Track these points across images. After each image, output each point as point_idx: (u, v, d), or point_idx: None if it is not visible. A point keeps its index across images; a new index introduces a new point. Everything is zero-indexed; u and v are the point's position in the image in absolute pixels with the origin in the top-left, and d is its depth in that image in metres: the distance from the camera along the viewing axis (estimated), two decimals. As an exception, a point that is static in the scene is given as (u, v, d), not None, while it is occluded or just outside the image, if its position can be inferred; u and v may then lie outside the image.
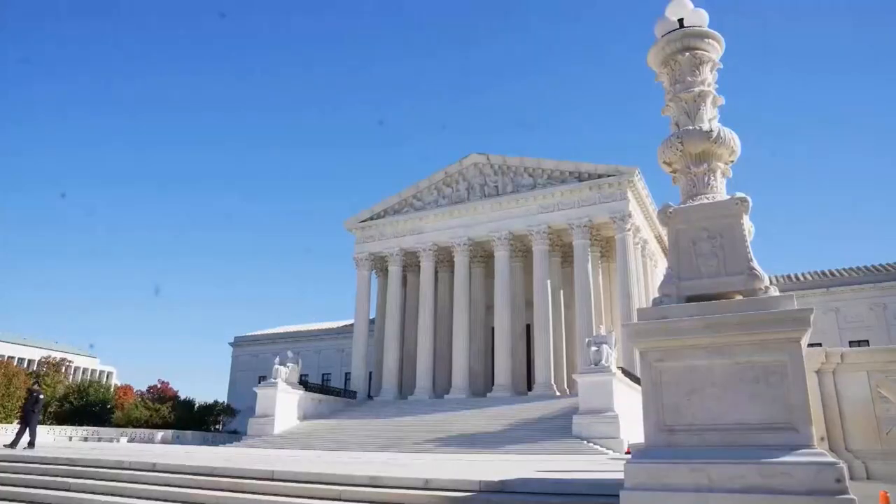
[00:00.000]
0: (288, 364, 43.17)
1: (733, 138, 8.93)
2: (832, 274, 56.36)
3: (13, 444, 21.10)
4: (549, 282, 46.54)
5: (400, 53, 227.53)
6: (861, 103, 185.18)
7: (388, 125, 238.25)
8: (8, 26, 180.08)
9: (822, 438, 8.10)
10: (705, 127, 8.93)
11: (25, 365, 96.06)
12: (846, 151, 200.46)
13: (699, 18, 9.62)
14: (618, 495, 7.19)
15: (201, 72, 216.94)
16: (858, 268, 56.37)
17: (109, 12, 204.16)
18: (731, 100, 9.74)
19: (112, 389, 75.02)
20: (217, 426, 64.18)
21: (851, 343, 48.70)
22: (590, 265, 45.65)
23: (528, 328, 48.49)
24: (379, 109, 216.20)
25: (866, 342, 48.31)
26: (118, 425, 56.90)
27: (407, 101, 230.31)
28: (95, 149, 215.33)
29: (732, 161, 9.18)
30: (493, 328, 48.36)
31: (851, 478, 7.40)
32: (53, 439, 47.42)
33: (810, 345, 8.11)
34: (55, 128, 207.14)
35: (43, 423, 58.40)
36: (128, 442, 47.82)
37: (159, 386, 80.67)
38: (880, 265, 55.31)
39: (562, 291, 49.19)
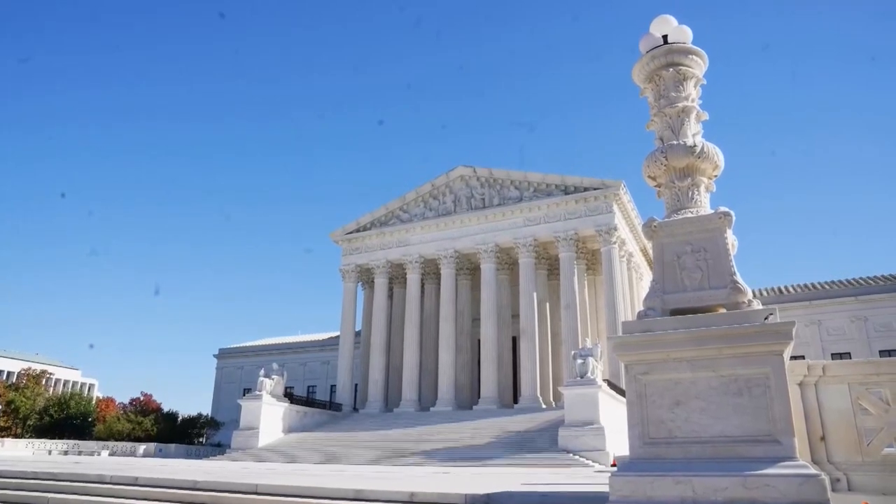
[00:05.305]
0: (273, 376, 42.87)
1: (717, 153, 9.05)
2: (814, 287, 57.02)
3: None
4: (535, 294, 46.66)
5: (391, 58, 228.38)
6: (848, 108, 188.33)
7: (377, 131, 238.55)
8: (8, 28, 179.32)
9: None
10: (689, 142, 9.04)
11: (4, 377, 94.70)
12: (830, 164, 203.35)
13: (683, 35, 9.76)
14: (603, 508, 7.20)
15: (199, 74, 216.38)
16: (840, 281, 57.09)
17: (108, 15, 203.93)
18: (714, 112, 9.88)
19: (93, 402, 74.04)
20: (201, 439, 63.48)
21: (833, 355, 49.24)
22: (576, 278, 45.83)
23: (515, 340, 48.51)
24: (376, 112, 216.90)
25: (848, 354, 48.86)
26: (100, 438, 56.14)
27: (397, 108, 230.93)
28: (84, 156, 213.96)
29: (716, 176, 9.30)
30: (479, 340, 48.34)
31: (833, 489, 7.46)
32: (32, 453, 46.58)
33: (793, 357, 8.20)
34: (49, 134, 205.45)
35: (22, 436, 57.63)
36: (109, 455, 47.14)
37: (142, 398, 79.80)
38: (861, 278, 56.07)
39: (548, 304, 49.33)
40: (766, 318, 7.33)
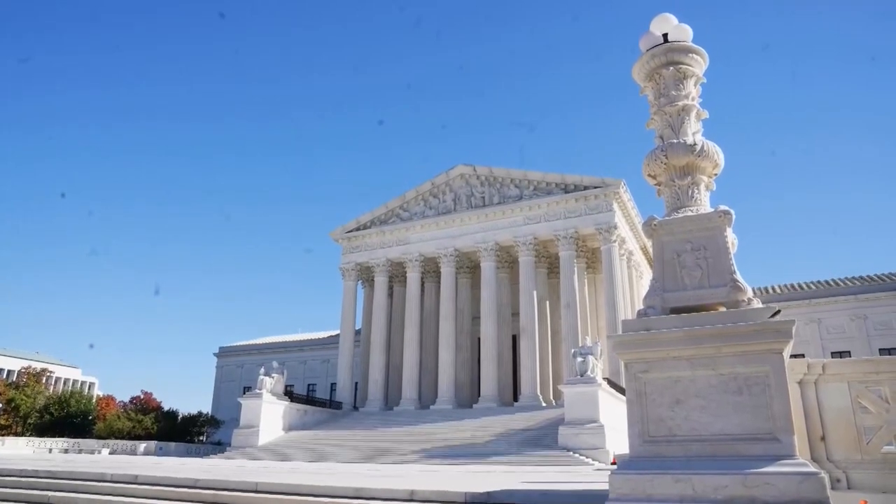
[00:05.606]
0: (273, 375, 42.90)
1: (717, 152, 9.05)
2: (814, 286, 57.02)
3: None
4: (535, 292, 46.66)
5: (391, 58, 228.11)
6: (848, 108, 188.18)
7: (377, 131, 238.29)
8: (8, 28, 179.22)
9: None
10: (689, 140, 9.04)
11: (5, 375, 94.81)
12: (830, 163, 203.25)
13: (683, 34, 9.75)
14: (603, 506, 7.20)
15: (199, 74, 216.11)
16: (840, 280, 57.09)
17: (108, 15, 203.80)
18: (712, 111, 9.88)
19: (94, 400, 74.03)
20: (201, 437, 63.54)
21: (833, 354, 49.27)
22: (576, 276, 45.83)
23: (515, 339, 48.52)
24: (376, 112, 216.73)
25: (847, 353, 48.87)
26: (100, 437, 56.17)
27: (397, 108, 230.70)
28: (84, 156, 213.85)
29: (716, 174, 9.30)
30: (479, 339, 48.34)
31: (833, 487, 7.47)
32: (33, 451, 46.65)
33: (793, 355, 8.20)
34: (49, 134, 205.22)
35: (22, 434, 57.68)
36: (109, 454, 47.18)
37: (142, 397, 79.88)
38: (861, 277, 56.06)
39: (548, 302, 49.33)
40: (772, 316, 7.32)
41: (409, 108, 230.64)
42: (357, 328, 54.75)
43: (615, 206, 45.93)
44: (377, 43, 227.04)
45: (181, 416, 63.77)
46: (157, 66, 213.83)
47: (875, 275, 55.35)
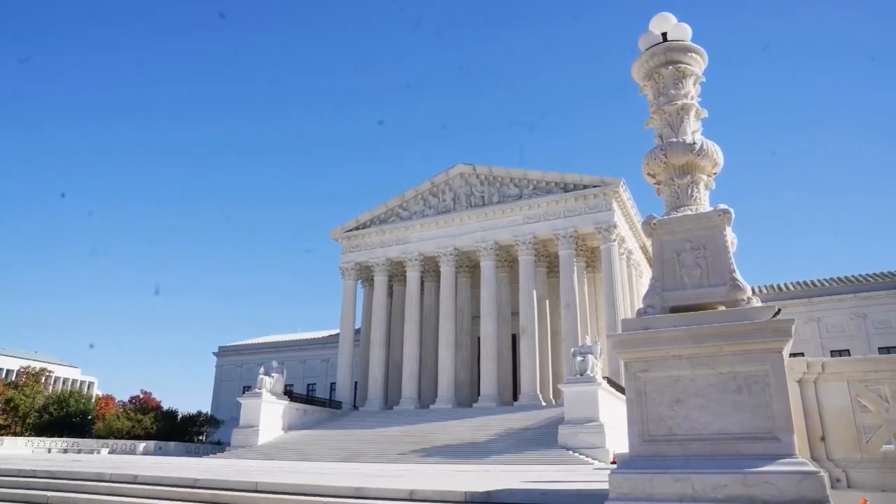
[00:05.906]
0: (273, 374, 42.87)
1: (716, 151, 9.04)
2: (813, 284, 57.02)
3: None
4: (534, 292, 46.66)
5: (391, 58, 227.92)
6: (848, 108, 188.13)
7: (377, 131, 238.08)
8: (8, 28, 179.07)
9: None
10: (689, 139, 9.03)
11: (4, 375, 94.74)
12: (830, 163, 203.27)
13: (682, 33, 9.75)
14: (602, 505, 7.20)
15: (199, 74, 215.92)
16: (839, 278, 57.09)
17: (108, 15, 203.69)
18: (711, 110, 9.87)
19: (93, 400, 73.95)
20: (201, 437, 63.52)
21: (832, 353, 49.25)
22: (575, 275, 45.82)
23: (515, 338, 48.52)
24: (376, 112, 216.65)
25: (847, 352, 48.88)
26: (99, 436, 56.13)
27: (397, 108, 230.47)
28: (84, 156, 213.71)
29: (715, 173, 9.29)
30: (479, 338, 48.34)
31: (833, 486, 7.46)
32: (32, 451, 46.63)
33: (792, 354, 8.20)
34: (49, 134, 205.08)
35: (21, 434, 57.66)
36: (109, 453, 47.14)
37: (142, 396, 79.67)
38: (860, 276, 56.05)
39: (548, 301, 49.32)
40: (774, 315, 7.31)
41: (409, 108, 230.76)
42: (357, 327, 54.74)
43: (614, 205, 45.92)
44: (377, 43, 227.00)
45: (181, 415, 63.76)
46: (157, 66, 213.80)
47: (874, 273, 55.36)
